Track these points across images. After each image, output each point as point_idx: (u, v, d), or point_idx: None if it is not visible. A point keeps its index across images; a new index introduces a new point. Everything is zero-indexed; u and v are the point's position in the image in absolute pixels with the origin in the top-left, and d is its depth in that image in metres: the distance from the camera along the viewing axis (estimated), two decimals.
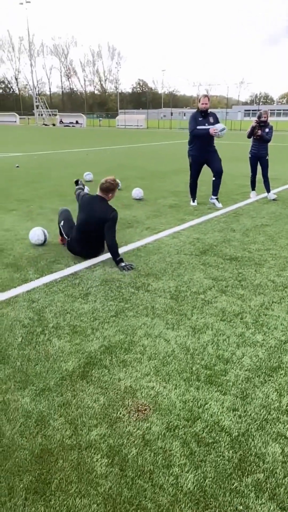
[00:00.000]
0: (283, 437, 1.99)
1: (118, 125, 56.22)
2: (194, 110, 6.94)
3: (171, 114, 73.32)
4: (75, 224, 4.48)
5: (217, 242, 5.11)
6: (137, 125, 53.44)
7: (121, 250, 4.74)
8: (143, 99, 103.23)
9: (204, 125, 6.57)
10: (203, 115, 6.63)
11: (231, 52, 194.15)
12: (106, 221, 4.12)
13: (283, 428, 2.05)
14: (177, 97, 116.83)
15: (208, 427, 2.04)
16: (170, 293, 3.62)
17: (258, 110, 8.27)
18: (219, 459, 1.85)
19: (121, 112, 66.87)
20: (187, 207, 7.16)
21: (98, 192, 4.32)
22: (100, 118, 66.56)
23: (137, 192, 7.75)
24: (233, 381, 2.41)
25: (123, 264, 4.15)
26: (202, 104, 6.57)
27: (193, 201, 7.33)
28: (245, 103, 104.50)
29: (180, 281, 3.88)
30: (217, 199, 7.16)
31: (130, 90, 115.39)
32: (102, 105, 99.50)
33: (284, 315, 3.25)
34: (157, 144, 24.46)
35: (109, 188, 4.26)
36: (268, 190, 7.95)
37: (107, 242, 4.20)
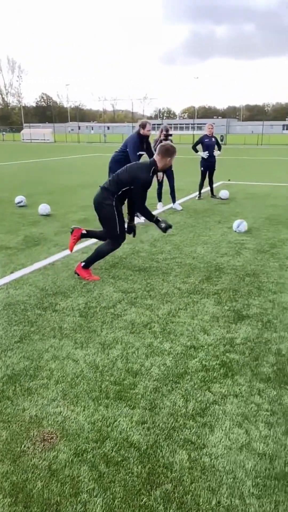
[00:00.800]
0: (189, 443, 2.05)
1: (23, 139, 54.53)
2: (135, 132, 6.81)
3: (79, 128, 73.38)
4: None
5: (126, 254, 5.17)
6: (44, 139, 52.45)
7: (26, 270, 4.56)
8: (48, 113, 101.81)
9: (141, 150, 6.70)
10: (143, 141, 6.70)
11: (135, 68, 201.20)
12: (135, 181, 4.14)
13: (189, 434, 2.11)
14: (83, 111, 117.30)
15: (117, 445, 2.02)
16: (79, 310, 3.55)
17: (161, 124, 8.66)
18: (128, 477, 1.84)
19: (26, 126, 65.10)
20: (97, 221, 7.14)
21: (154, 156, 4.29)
22: (3, 132, 64.05)
23: (43, 208, 7.56)
24: (142, 394, 2.42)
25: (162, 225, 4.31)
26: (148, 130, 6.63)
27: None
28: (150, 118, 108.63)
29: (90, 297, 3.84)
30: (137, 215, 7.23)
31: (34, 104, 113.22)
32: (4, 118, 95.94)
33: (190, 321, 3.38)
34: (66, 158, 24.23)
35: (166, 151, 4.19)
36: (174, 201, 8.30)
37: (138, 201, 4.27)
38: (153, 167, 4.22)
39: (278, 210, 8.11)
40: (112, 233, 4.31)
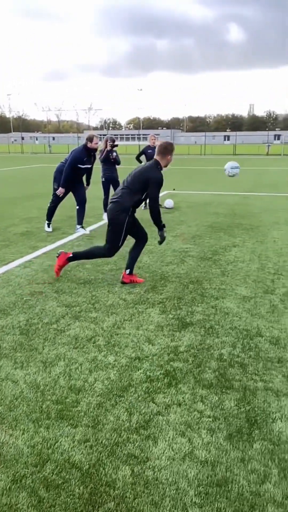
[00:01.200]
0: (132, 457, 2.02)
1: None
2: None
3: (22, 138, 71.73)
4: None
5: (70, 267, 5.08)
6: None
7: None
8: None
9: (88, 163, 6.69)
10: (91, 154, 6.68)
11: (79, 80, 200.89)
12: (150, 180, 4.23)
13: (133, 448, 2.09)
14: (27, 122, 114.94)
15: (58, 467, 1.95)
16: (19, 328, 3.42)
17: (106, 135, 8.68)
18: (69, 499, 1.78)
19: None
20: (40, 233, 6.99)
21: (155, 156, 4.35)
22: None
23: None
24: (85, 411, 2.37)
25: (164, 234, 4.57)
26: (95, 143, 6.61)
27: (49, 227, 7.19)
28: (96, 128, 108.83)
29: (32, 313, 3.72)
30: (82, 227, 7.14)
31: None
32: None
33: (135, 331, 3.37)
34: (8, 170, 23.55)
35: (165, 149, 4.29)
36: None
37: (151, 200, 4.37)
38: (159, 166, 4.32)
39: (220, 218, 8.39)
40: (114, 243, 4.44)
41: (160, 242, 4.68)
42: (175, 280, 4.63)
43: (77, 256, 4.61)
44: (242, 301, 4.05)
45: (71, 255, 4.56)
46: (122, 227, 4.34)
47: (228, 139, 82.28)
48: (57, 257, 4.57)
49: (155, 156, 4.36)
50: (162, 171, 4.34)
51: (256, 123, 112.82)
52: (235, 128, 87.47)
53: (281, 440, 2.15)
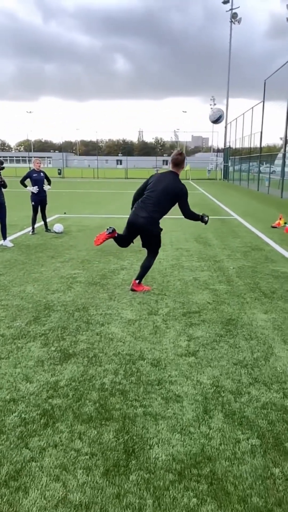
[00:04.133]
0: None
1: None
2: None
3: None
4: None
5: None
6: None
7: None
8: None
9: None
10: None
11: None
12: (179, 196, 4.73)
13: (0, 504, 1.89)
14: None
15: None
16: None
17: None
18: None
19: None
20: None
21: (171, 168, 4.81)
22: None
23: None
24: None
25: (206, 218, 4.99)
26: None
27: None
28: None
29: None
30: None
31: None
32: None
33: (11, 370, 3.14)
34: None
35: (176, 160, 4.74)
36: (5, 237, 7.90)
37: (186, 211, 4.86)
38: (178, 177, 4.81)
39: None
40: (158, 249, 5.13)
41: (206, 222, 5.12)
42: (60, 309, 4.49)
43: (141, 276, 5.09)
44: (127, 324, 4.08)
45: (137, 281, 5.04)
46: (160, 235, 5.01)
47: (121, 163, 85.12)
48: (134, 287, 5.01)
49: (172, 169, 4.81)
50: None
51: (146, 149, 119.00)
52: (127, 153, 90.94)
53: (157, 467, 2.16)
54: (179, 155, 4.79)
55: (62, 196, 19.23)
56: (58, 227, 9.33)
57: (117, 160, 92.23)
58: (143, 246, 5.16)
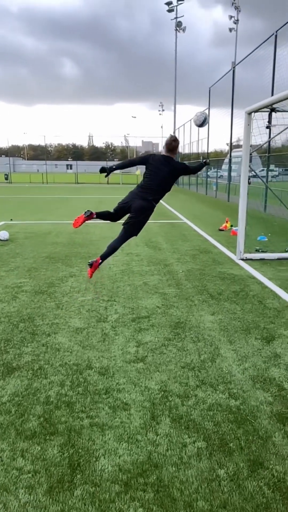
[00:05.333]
0: None
1: None
2: None
3: None
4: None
5: None
6: None
7: None
8: None
9: None
10: None
11: None
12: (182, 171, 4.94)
13: None
14: None
15: None
16: None
17: None
18: None
19: None
20: None
21: (165, 153, 4.79)
22: None
23: None
24: None
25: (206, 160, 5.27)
26: None
27: None
28: None
29: None
30: None
31: None
32: None
33: None
34: None
35: (170, 144, 4.76)
36: None
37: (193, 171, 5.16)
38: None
39: (58, 248, 8.32)
40: (136, 233, 4.78)
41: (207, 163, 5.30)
42: (4, 321, 4.31)
43: (106, 256, 4.73)
44: (74, 333, 4.00)
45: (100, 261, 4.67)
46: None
47: (71, 168, 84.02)
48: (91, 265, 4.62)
49: (167, 153, 4.78)
50: None
51: (96, 153, 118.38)
52: (77, 158, 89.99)
53: (103, 479, 2.11)
54: (173, 141, 4.84)
55: (8, 202, 18.63)
56: (3, 235, 9.00)
57: (67, 165, 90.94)
58: (124, 224, 4.82)
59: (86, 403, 2.80)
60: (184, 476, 2.15)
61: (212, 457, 2.29)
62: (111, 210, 4.91)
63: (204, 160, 5.21)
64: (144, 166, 4.78)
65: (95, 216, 4.75)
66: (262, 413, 2.70)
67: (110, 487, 2.06)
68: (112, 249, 4.77)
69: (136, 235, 4.82)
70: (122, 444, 2.38)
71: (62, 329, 4.09)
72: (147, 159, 4.85)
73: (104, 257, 4.70)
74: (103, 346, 3.71)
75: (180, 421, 2.61)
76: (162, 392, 2.94)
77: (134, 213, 4.67)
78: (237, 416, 2.66)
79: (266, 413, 2.69)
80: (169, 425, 2.57)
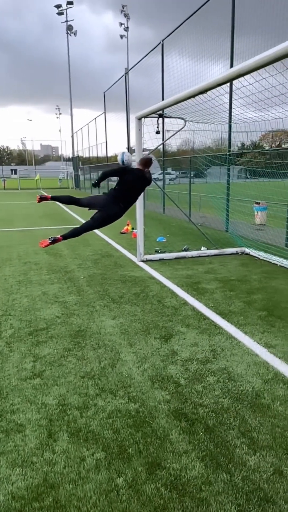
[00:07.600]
0: None
1: None
2: None
3: None
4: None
5: None
6: None
7: None
8: None
9: None
10: None
11: None
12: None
13: None
14: None
15: None
16: None
17: None
18: None
19: None
20: None
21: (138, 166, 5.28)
22: None
23: None
24: None
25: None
26: None
27: None
28: None
29: None
30: None
31: None
32: None
33: None
34: None
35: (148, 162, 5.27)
36: None
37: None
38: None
39: None
40: (100, 224, 4.96)
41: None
42: None
43: (67, 237, 4.86)
44: None
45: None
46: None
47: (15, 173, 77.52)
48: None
49: (139, 166, 5.23)
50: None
51: None
52: None
53: None
54: (149, 160, 5.36)
55: None
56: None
57: (12, 170, 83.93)
58: (92, 210, 5.03)
59: None
60: (82, 492, 2.07)
61: (111, 466, 2.26)
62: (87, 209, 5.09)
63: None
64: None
65: (62, 239, 4.82)
66: (160, 413, 2.74)
67: None
68: (73, 233, 4.94)
69: (101, 225, 5.08)
70: (16, 470, 2.22)
71: None
72: (120, 171, 5.14)
73: (66, 237, 4.88)
74: None
75: (79, 434, 2.53)
76: (60, 407, 2.83)
77: (108, 216, 5.00)
78: (136, 420, 2.67)
79: (164, 412, 2.75)
80: (67, 440, 2.47)
